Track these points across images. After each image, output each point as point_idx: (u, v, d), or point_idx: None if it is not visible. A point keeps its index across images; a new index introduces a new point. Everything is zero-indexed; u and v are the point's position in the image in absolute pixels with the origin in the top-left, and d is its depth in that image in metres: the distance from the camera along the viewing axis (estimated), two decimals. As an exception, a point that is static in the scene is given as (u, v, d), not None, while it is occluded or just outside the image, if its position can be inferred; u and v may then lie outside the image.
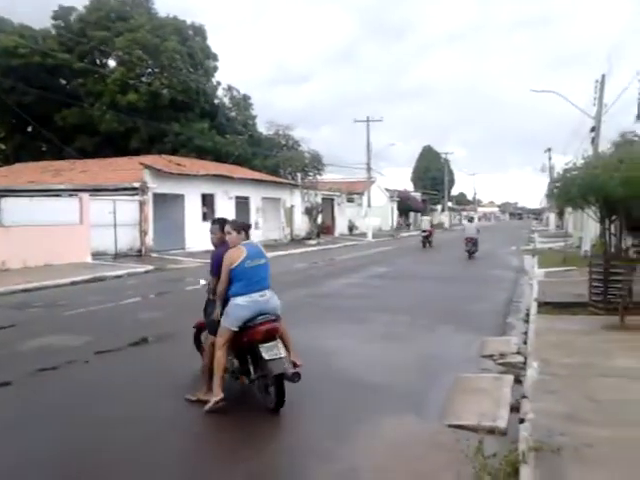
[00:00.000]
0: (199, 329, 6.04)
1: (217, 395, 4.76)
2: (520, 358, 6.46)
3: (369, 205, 39.32)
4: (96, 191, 19.73)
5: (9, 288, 12.37)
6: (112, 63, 38.49)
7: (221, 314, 4.96)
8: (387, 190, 53.04)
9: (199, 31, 40.49)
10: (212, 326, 5.09)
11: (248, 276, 4.86)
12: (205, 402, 4.88)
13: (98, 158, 28.00)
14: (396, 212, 54.39)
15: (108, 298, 11.33)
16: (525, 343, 7.15)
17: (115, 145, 34.72)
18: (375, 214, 41.08)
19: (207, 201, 24.92)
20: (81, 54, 36.51)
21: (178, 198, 22.94)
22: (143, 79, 36.46)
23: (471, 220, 26.31)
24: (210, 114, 39.41)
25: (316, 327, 8.43)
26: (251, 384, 5.08)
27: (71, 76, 36.50)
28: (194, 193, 23.92)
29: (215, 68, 41.48)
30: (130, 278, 15.24)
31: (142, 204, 20.73)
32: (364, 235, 37.54)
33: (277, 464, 4.15)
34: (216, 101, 41.59)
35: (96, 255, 18.23)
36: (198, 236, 20.79)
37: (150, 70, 37.19)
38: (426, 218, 32.16)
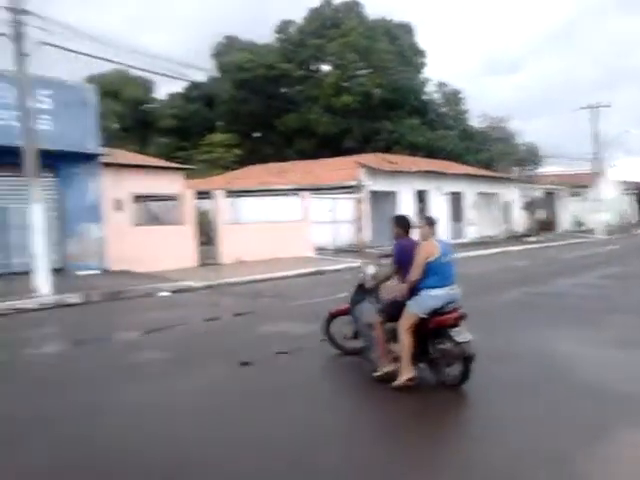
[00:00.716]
0: (334, 316, 6.52)
1: (407, 374, 5.22)
2: None
3: (598, 199, 35.51)
4: (316, 190, 20.90)
5: (244, 279, 13.69)
6: (327, 68, 40.63)
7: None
8: (622, 182, 47.25)
9: (407, 29, 40.75)
10: (388, 309, 5.57)
11: (442, 271, 5.26)
12: (391, 374, 5.36)
13: (316, 159, 29.70)
14: (635, 206, 48.32)
15: (329, 290, 11.80)
16: None
17: (331, 146, 36.57)
18: (605, 209, 36.90)
19: (420, 197, 24.87)
20: (300, 62, 39.24)
21: (391, 195, 23.25)
22: (355, 81, 37.83)
23: None
24: (420, 111, 39.39)
25: (541, 327, 7.80)
26: (418, 365, 5.46)
27: (291, 84, 39.44)
28: (407, 190, 24.03)
29: (423, 64, 41.36)
30: (349, 272, 15.78)
31: (358, 201, 21.45)
32: (591, 232, 34.02)
33: (506, 465, 3.77)
34: (425, 97, 41.41)
35: (317, 250, 19.33)
36: (411, 232, 20.79)
37: (362, 71, 38.43)
38: None
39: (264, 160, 33.96)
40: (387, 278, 5.99)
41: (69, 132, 13.57)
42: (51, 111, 13.30)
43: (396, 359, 5.48)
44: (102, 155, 14.83)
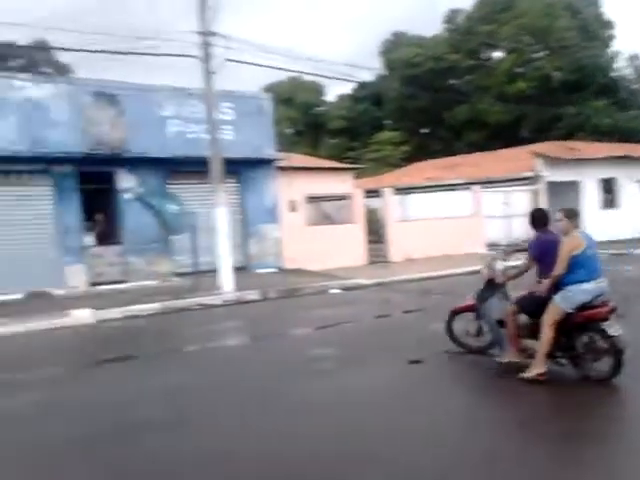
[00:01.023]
0: (456, 314, 6.59)
1: (540, 369, 5.26)
2: None
3: None
4: (487, 183, 20.03)
5: (413, 276, 13.61)
6: (499, 55, 38.66)
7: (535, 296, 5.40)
8: None
9: (591, 0, 37.06)
10: (525, 302, 5.57)
11: (588, 264, 5.18)
12: (514, 365, 5.55)
13: (487, 151, 28.46)
14: None
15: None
16: None
17: (504, 136, 34.77)
18: None
19: (607, 187, 22.57)
20: (469, 52, 37.83)
21: (573, 185, 21.40)
22: (531, 65, 35.45)
23: None
24: (609, 90, 35.62)
25: None
26: (558, 360, 5.47)
27: (460, 75, 38.23)
28: (591, 178, 21.95)
29: (611, 37, 37.28)
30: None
31: (535, 194, 20.13)
32: None
33: None
34: (615, 74, 37.36)
35: (489, 246, 18.51)
36: (597, 224, 18.92)
37: (539, 54, 35.91)
38: None
39: (433, 156, 33.47)
40: (521, 273, 5.91)
41: (249, 140, 14.66)
42: (233, 121, 14.46)
43: (530, 356, 5.51)
44: (278, 159, 15.77)
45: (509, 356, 5.70)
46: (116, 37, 11.66)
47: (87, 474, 3.98)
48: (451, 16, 40.05)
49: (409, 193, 19.93)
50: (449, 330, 6.66)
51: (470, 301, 6.42)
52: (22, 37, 32.34)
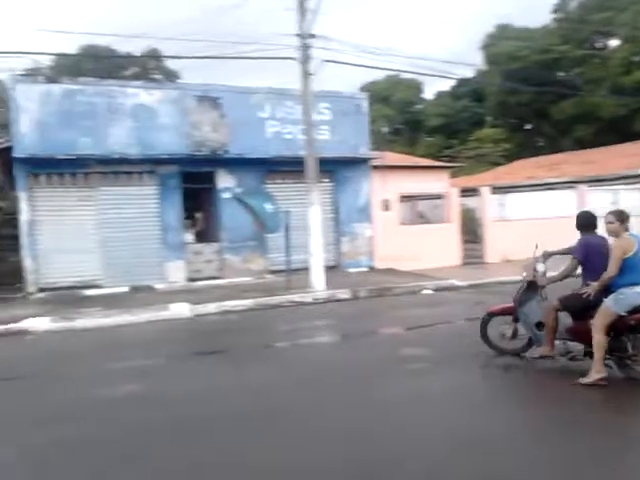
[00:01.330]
0: (492, 315, 6.53)
1: (600, 373, 5.21)
2: None
3: None
4: (595, 181, 18.87)
5: (510, 278, 13.02)
6: (614, 43, 36.11)
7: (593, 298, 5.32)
8: None
9: None
10: (570, 302, 5.56)
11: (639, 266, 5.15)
12: (547, 357, 5.80)
13: (597, 147, 26.79)
14: None
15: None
16: None
17: (617, 130, 32.51)
18: None
19: None
20: (580, 42, 35.66)
21: (694, 183, 19.62)
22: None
23: None
24: None
25: None
26: (610, 361, 5.44)
27: (568, 67, 36.15)
28: None
29: None
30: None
31: (647, 192, 18.68)
32: None
33: None
34: None
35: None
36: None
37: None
38: None
39: (536, 153, 31.97)
40: (566, 276, 5.83)
41: (344, 139, 14.79)
42: (329, 121, 14.65)
43: (574, 358, 5.64)
44: (373, 159, 15.74)
45: (541, 351, 5.82)
46: (217, 43, 12.21)
47: (173, 458, 4.25)
48: (560, 5, 37.96)
49: (508, 192, 19.18)
50: (483, 331, 6.57)
51: (508, 303, 6.39)
52: (136, 48, 34.65)
